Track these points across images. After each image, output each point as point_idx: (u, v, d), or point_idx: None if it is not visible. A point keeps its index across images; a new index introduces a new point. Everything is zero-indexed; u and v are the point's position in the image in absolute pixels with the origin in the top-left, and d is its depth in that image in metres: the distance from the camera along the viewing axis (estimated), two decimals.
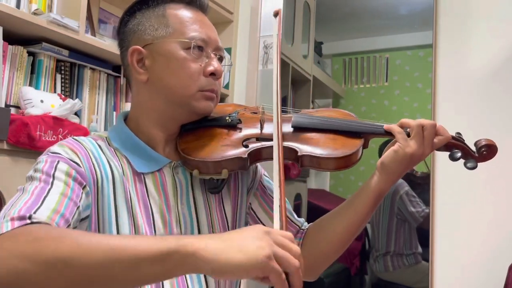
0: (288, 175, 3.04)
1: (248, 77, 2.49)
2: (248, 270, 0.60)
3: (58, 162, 0.83)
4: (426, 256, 2.16)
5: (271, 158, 0.94)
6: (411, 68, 3.77)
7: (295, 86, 3.31)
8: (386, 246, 3.01)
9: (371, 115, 3.88)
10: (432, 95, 2.06)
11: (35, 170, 0.82)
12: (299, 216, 1.09)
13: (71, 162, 0.84)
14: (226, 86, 2.43)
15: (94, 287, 0.62)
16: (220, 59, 0.98)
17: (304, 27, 3.26)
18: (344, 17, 3.84)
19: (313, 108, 3.84)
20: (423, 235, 2.89)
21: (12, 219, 0.70)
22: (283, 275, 0.62)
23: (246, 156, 0.90)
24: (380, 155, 0.95)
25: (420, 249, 3.01)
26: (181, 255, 0.61)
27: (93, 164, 0.87)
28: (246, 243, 0.62)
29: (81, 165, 0.85)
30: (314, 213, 3.22)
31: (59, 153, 0.85)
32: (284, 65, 2.87)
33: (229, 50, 2.47)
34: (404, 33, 3.79)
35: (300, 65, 3.16)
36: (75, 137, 0.91)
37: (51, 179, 0.80)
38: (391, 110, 3.74)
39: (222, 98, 2.34)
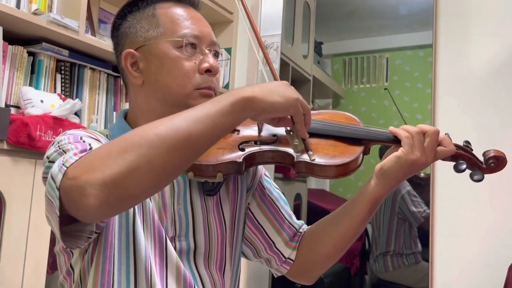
0: (288, 175, 3.04)
1: (248, 77, 2.49)
2: (286, 108, 0.78)
3: (81, 136, 0.83)
4: (426, 256, 2.16)
5: (268, 162, 0.93)
6: (411, 68, 3.77)
7: (295, 86, 3.26)
8: (386, 245, 3.01)
9: (371, 115, 3.88)
10: (432, 95, 2.06)
11: (60, 146, 0.80)
12: (299, 216, 1.08)
13: (93, 138, 0.84)
14: (226, 86, 2.43)
15: (189, 154, 0.72)
16: (216, 54, 0.95)
17: (304, 27, 3.26)
18: (344, 17, 3.84)
19: (313, 108, 3.85)
20: (424, 234, 2.89)
21: (75, 154, 0.73)
22: (303, 114, 0.82)
23: (241, 160, 0.88)
24: (380, 155, 0.94)
25: (420, 249, 3.00)
26: (243, 102, 0.75)
27: None
28: (281, 90, 0.79)
29: (102, 141, 0.86)
30: (314, 213, 3.22)
31: (77, 133, 0.85)
32: (284, 65, 2.86)
33: (229, 50, 2.47)
34: (404, 33, 3.79)
35: (300, 65, 3.16)
36: (84, 129, 0.91)
37: (83, 142, 0.80)
38: (391, 110, 3.74)
39: None
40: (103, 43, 1.79)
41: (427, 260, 2.06)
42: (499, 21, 1.99)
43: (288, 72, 2.96)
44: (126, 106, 1.95)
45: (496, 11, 2.00)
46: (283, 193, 1.10)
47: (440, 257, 1.98)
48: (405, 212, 2.95)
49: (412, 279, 2.93)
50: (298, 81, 3.30)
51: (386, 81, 3.87)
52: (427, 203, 2.80)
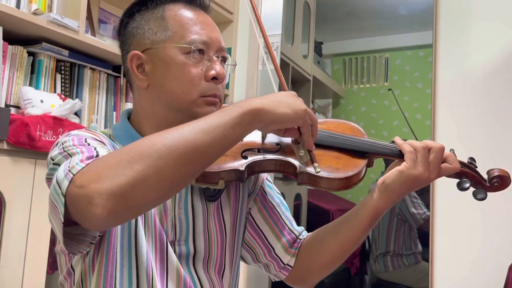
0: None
1: (248, 77, 2.49)
2: (294, 120, 0.79)
3: (86, 138, 0.82)
4: (426, 256, 2.16)
5: (270, 171, 0.92)
6: (411, 68, 3.77)
7: (295, 86, 3.31)
8: (386, 246, 3.01)
9: (371, 115, 3.88)
10: (432, 95, 2.06)
11: (64, 148, 0.79)
12: (299, 216, 1.08)
13: (97, 140, 0.84)
14: (226, 86, 2.43)
15: (197, 165, 0.72)
16: (224, 60, 0.94)
17: (304, 27, 3.26)
18: (344, 17, 3.84)
19: (312, 108, 3.84)
20: (423, 234, 2.89)
21: (82, 161, 0.73)
22: (310, 126, 0.82)
23: (243, 168, 0.87)
24: (386, 165, 0.93)
25: (420, 249, 3.00)
26: (252, 114, 0.75)
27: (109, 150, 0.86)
28: (290, 101, 0.79)
29: (105, 143, 0.85)
30: (314, 213, 3.22)
31: (81, 134, 0.84)
32: (284, 65, 2.86)
33: (229, 50, 2.47)
34: (404, 33, 3.79)
35: (300, 65, 3.16)
36: (87, 129, 0.91)
37: (88, 145, 0.80)
38: (391, 110, 3.74)
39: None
40: (103, 43, 1.79)
41: (427, 260, 2.06)
42: (499, 21, 1.99)
43: (288, 72, 2.96)
44: (126, 106, 1.95)
45: (495, 11, 2.00)
46: (283, 194, 1.10)
47: (440, 257, 1.98)
48: (405, 213, 2.94)
49: (412, 279, 2.93)
50: (298, 81, 3.30)
51: (386, 81, 3.87)
52: (428, 204, 2.80)
